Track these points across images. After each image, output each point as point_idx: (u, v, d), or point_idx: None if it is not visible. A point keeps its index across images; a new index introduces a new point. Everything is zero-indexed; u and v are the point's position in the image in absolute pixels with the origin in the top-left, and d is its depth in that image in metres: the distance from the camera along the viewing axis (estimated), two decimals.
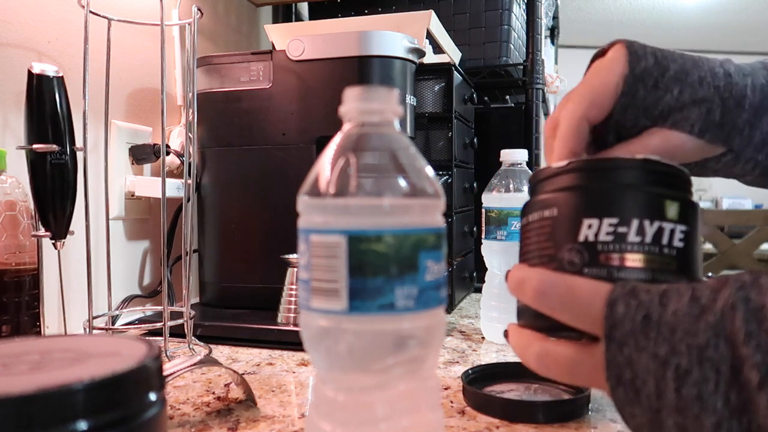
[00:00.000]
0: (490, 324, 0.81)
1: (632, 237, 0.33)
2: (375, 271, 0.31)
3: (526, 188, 0.80)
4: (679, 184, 0.36)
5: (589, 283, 0.32)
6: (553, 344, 0.34)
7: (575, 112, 0.40)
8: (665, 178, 0.35)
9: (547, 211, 0.36)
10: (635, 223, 0.33)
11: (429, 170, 0.34)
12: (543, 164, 0.48)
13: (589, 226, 0.33)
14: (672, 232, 0.33)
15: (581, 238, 0.33)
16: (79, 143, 0.64)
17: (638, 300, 0.30)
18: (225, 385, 0.60)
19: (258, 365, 0.68)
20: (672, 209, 0.34)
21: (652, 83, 0.40)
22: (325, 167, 0.33)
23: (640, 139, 0.41)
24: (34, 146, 0.61)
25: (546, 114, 1.54)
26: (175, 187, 0.88)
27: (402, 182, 0.33)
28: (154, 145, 0.91)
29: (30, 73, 0.61)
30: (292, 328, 0.77)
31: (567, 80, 1.46)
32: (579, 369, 0.33)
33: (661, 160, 0.35)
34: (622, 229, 0.33)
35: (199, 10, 0.71)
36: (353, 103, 0.34)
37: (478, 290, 1.11)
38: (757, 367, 0.26)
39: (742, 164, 0.42)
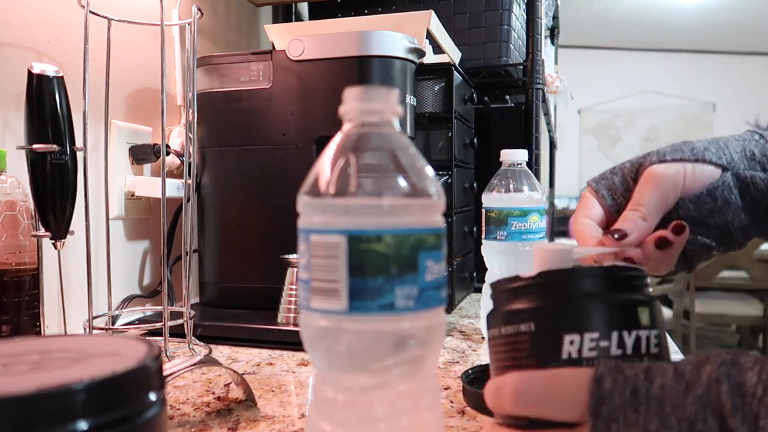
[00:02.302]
0: None
1: (614, 350, 0.33)
2: (375, 271, 0.31)
3: (526, 188, 0.81)
4: (644, 285, 0.37)
5: (571, 370, 0.32)
6: None
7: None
8: (633, 282, 0.37)
9: (524, 326, 0.35)
10: (615, 336, 0.34)
11: (429, 170, 0.34)
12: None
13: (571, 342, 0.34)
14: (648, 339, 0.35)
15: (565, 355, 0.34)
16: (79, 143, 0.64)
17: (624, 375, 0.30)
18: (225, 385, 0.60)
19: (258, 365, 0.68)
20: (644, 316, 0.36)
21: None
22: (325, 167, 0.33)
23: (639, 185, 0.51)
24: (34, 146, 0.61)
25: (546, 114, 1.54)
26: (175, 187, 0.88)
27: (402, 182, 0.33)
28: (154, 145, 0.91)
29: (30, 73, 0.61)
30: (292, 328, 0.77)
31: (567, 80, 1.46)
32: None
33: (626, 264, 0.38)
34: (603, 344, 0.33)
35: (199, 10, 0.71)
36: (353, 103, 0.34)
37: (478, 290, 1.11)
38: (737, 418, 0.27)
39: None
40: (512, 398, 0.33)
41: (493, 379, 0.36)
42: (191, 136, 0.75)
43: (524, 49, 1.25)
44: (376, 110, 0.34)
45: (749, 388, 0.28)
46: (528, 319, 0.35)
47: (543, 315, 0.35)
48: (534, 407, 0.32)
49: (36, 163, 0.61)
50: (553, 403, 0.32)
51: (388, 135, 0.34)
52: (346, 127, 0.34)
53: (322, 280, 0.32)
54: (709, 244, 0.52)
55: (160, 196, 0.68)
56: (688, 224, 0.50)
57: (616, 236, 0.49)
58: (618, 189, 0.53)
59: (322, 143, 0.85)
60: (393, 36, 0.82)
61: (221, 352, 0.74)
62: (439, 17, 0.98)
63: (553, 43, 1.99)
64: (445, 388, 0.61)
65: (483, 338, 0.82)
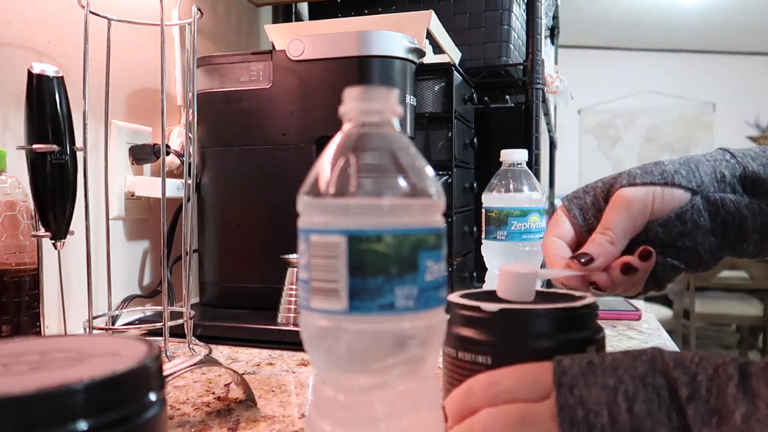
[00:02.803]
0: None
1: None
2: (375, 271, 0.31)
3: (526, 188, 0.81)
4: (593, 320, 0.42)
5: (532, 364, 0.36)
6: (500, 407, 0.35)
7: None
8: (583, 320, 0.41)
9: (481, 357, 0.40)
10: None
11: (429, 170, 0.34)
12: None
13: None
14: None
15: None
16: (79, 143, 0.64)
17: (579, 356, 0.35)
18: (225, 385, 0.60)
19: (258, 365, 0.68)
20: (593, 352, 0.40)
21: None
22: (324, 167, 0.33)
23: (607, 210, 0.52)
24: (34, 146, 0.61)
25: (546, 114, 1.54)
26: (175, 187, 0.88)
27: (402, 182, 0.33)
28: (154, 145, 0.91)
29: (30, 73, 0.61)
30: (292, 328, 0.77)
31: (567, 80, 1.46)
32: (529, 424, 0.34)
33: (580, 304, 0.41)
34: None
35: (199, 10, 0.71)
36: (353, 103, 0.34)
37: None
38: (686, 385, 0.31)
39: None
40: (486, 388, 0.36)
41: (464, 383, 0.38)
42: (191, 136, 0.75)
43: (524, 49, 1.25)
44: (376, 110, 0.34)
45: (686, 358, 0.33)
46: (486, 352, 0.39)
47: (500, 351, 0.39)
48: (506, 396, 0.35)
49: (36, 163, 0.61)
50: (522, 389, 0.35)
51: (388, 135, 0.34)
52: (346, 127, 0.34)
53: (322, 280, 0.32)
54: (678, 266, 0.52)
55: (160, 196, 0.68)
56: (658, 246, 0.51)
57: (582, 260, 0.50)
58: (589, 209, 0.54)
59: (322, 143, 0.84)
60: (393, 36, 0.82)
61: (221, 352, 0.74)
62: (439, 17, 0.98)
63: (553, 43, 1.99)
64: None
65: None
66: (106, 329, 0.71)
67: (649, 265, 0.50)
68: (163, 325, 0.67)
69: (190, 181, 0.73)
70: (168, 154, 0.92)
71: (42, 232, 0.63)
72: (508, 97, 1.44)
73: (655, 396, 0.32)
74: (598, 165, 4.85)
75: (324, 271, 0.32)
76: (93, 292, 0.65)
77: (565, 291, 0.47)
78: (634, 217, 0.51)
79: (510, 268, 0.44)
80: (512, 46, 1.21)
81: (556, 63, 2.07)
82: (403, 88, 0.84)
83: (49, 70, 0.62)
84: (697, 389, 0.31)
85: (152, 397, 0.26)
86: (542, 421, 0.33)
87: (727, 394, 0.31)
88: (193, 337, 0.72)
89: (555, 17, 1.98)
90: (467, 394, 0.37)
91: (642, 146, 4.88)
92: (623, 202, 0.51)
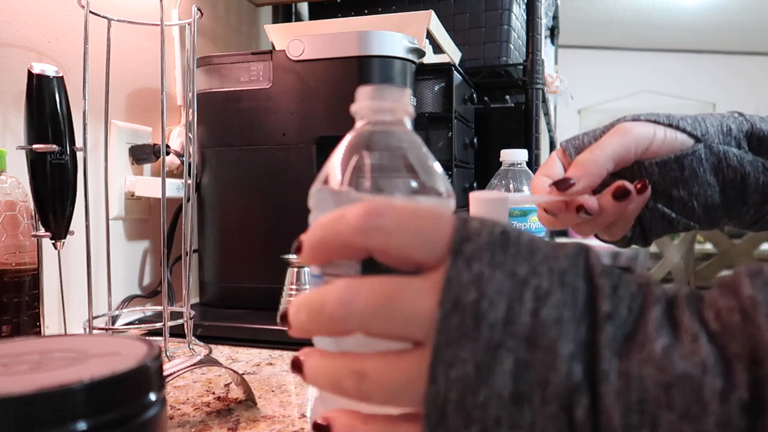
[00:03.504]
0: None
1: None
2: (387, 267, 0.31)
3: (526, 188, 0.81)
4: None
5: (434, 209, 0.28)
6: (367, 280, 0.27)
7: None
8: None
9: None
10: None
11: (439, 169, 0.34)
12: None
13: None
14: None
15: None
16: (79, 143, 0.64)
17: (493, 222, 0.27)
18: (225, 385, 0.60)
19: (258, 365, 0.68)
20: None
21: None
22: (336, 164, 0.33)
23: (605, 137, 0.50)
24: (34, 146, 0.61)
25: (546, 114, 1.54)
26: (175, 187, 0.88)
27: (412, 180, 0.33)
28: (154, 145, 0.91)
29: (30, 73, 0.61)
30: None
31: (567, 80, 1.46)
32: (399, 303, 0.26)
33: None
34: None
35: (199, 10, 0.71)
36: (365, 101, 0.34)
37: None
38: (608, 298, 0.25)
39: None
40: (361, 217, 0.27)
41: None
42: (191, 136, 0.75)
43: (524, 49, 1.25)
44: (388, 109, 0.34)
45: (611, 268, 0.27)
46: None
47: None
48: (382, 234, 0.26)
49: (36, 163, 0.61)
50: (406, 232, 0.26)
51: (399, 134, 0.34)
52: (358, 124, 0.34)
53: (334, 275, 0.32)
54: (669, 216, 0.50)
55: (160, 196, 0.68)
56: (653, 195, 0.48)
57: (561, 186, 0.47)
58: (585, 147, 0.51)
59: (322, 143, 0.85)
60: (393, 36, 0.82)
61: (221, 352, 0.74)
62: (439, 17, 0.98)
63: (553, 43, 1.99)
64: None
65: None
66: (106, 329, 0.71)
67: (642, 199, 0.47)
68: (163, 325, 0.67)
69: (190, 181, 0.73)
70: (168, 154, 0.92)
71: (42, 232, 0.63)
72: (508, 97, 1.44)
73: (570, 300, 0.25)
74: None
75: (336, 267, 0.32)
76: (93, 292, 0.65)
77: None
78: (627, 144, 0.48)
79: (480, 195, 0.40)
80: (512, 46, 1.21)
81: (556, 63, 2.07)
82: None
83: (49, 70, 0.62)
84: (618, 307, 0.25)
85: (152, 397, 0.26)
86: (418, 299, 0.25)
87: (648, 318, 0.25)
88: (193, 337, 0.72)
89: (555, 17, 1.98)
90: (337, 222, 0.27)
91: None
92: (621, 129, 0.49)
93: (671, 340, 0.24)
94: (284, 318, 0.29)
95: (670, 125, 0.49)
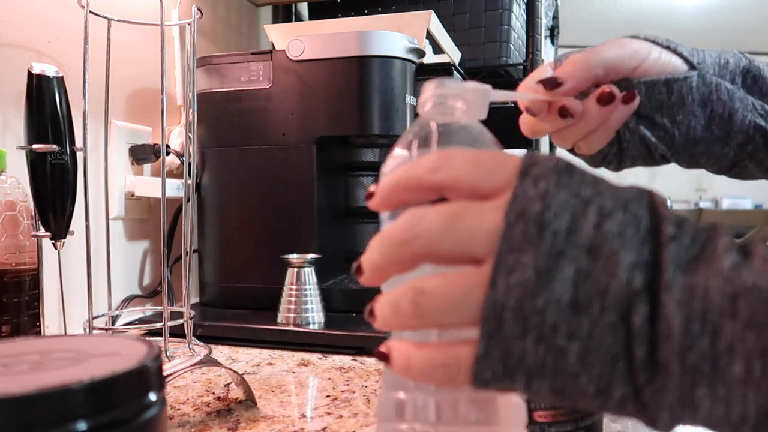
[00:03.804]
0: None
1: None
2: None
3: None
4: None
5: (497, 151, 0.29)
6: (433, 207, 0.28)
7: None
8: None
9: None
10: None
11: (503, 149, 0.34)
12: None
13: None
14: None
15: None
16: (79, 143, 0.64)
17: (557, 157, 0.28)
18: (225, 385, 0.60)
19: (258, 365, 0.68)
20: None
21: None
22: (407, 135, 0.33)
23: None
24: (34, 146, 0.61)
25: None
26: (175, 187, 0.88)
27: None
28: (154, 145, 0.91)
29: (30, 73, 0.61)
30: (292, 328, 0.77)
31: None
32: (463, 217, 0.26)
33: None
34: None
35: (199, 10, 0.71)
36: (433, 91, 0.34)
37: None
38: (673, 224, 0.25)
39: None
40: (433, 157, 0.28)
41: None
42: (191, 136, 0.75)
43: (524, 49, 1.25)
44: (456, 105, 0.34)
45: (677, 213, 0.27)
46: None
47: None
48: (452, 168, 0.28)
49: (36, 163, 0.61)
50: (475, 164, 0.27)
51: (467, 127, 0.34)
52: (423, 117, 0.34)
53: None
54: (648, 139, 0.48)
55: (160, 196, 0.68)
56: (636, 117, 0.47)
57: (548, 85, 0.45)
58: None
59: (322, 143, 0.85)
60: (393, 36, 0.82)
61: (221, 352, 0.74)
62: (439, 17, 0.98)
63: (553, 43, 1.99)
64: None
65: None
66: (106, 329, 0.71)
67: (628, 110, 0.46)
68: (163, 325, 0.67)
69: (190, 181, 0.73)
70: (168, 154, 0.92)
71: (42, 232, 0.63)
72: None
73: (633, 222, 0.25)
74: None
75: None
76: (93, 292, 0.65)
77: None
78: (622, 56, 0.46)
79: (463, 83, 0.40)
80: (512, 46, 1.21)
81: None
82: (403, 88, 0.84)
83: (49, 70, 0.62)
84: (682, 235, 0.25)
85: (152, 397, 0.26)
86: (483, 216, 0.26)
87: (716, 243, 0.25)
88: (193, 337, 0.72)
89: (555, 17, 1.98)
90: (410, 165, 0.29)
91: None
92: (617, 42, 0.47)
93: (740, 259, 0.24)
94: (358, 269, 0.30)
95: (667, 48, 0.48)
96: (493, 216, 0.26)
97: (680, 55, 0.48)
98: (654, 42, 0.48)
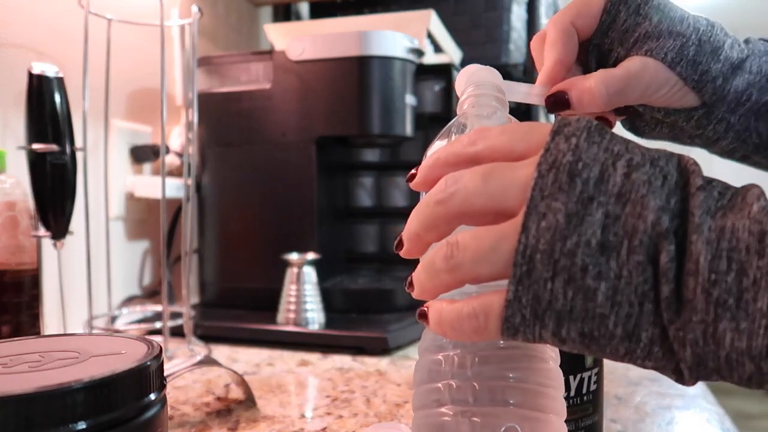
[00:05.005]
0: None
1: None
2: None
3: None
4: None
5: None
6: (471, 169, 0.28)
7: (563, 18, 0.42)
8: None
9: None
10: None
11: None
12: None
13: None
14: (589, 378, 0.38)
15: None
16: (79, 143, 0.64)
17: (588, 119, 0.28)
18: (225, 386, 0.60)
19: (258, 365, 0.68)
20: (590, 358, 0.38)
21: (634, 8, 0.42)
22: (449, 127, 0.35)
23: (622, 65, 0.42)
24: (34, 146, 0.61)
25: (546, 114, 1.54)
26: (175, 187, 0.88)
27: None
28: (154, 145, 0.91)
29: (30, 73, 0.61)
30: (292, 328, 0.77)
31: None
32: (498, 173, 0.27)
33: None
34: None
35: (199, 10, 0.71)
36: (472, 92, 0.36)
37: None
38: (701, 177, 0.26)
39: (714, 124, 0.44)
40: (471, 133, 0.30)
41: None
42: (191, 136, 0.75)
43: (524, 49, 1.25)
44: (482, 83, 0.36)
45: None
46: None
47: None
48: (488, 139, 0.29)
49: (36, 163, 0.61)
50: (510, 132, 0.29)
51: (501, 119, 0.35)
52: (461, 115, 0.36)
53: None
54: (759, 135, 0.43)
55: (160, 196, 0.68)
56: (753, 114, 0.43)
57: (554, 109, 0.42)
58: (610, 50, 0.44)
59: (322, 143, 0.85)
60: (393, 36, 0.82)
61: (221, 352, 0.74)
62: (439, 17, 0.98)
63: None
64: None
65: None
66: (106, 329, 0.71)
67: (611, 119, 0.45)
68: (163, 325, 0.67)
69: (190, 181, 0.73)
70: (168, 154, 0.92)
71: (42, 232, 0.63)
72: None
73: (660, 176, 0.26)
74: None
75: None
76: (93, 292, 0.65)
77: None
78: (640, 91, 0.42)
79: (470, 68, 0.39)
80: (512, 46, 1.21)
81: None
82: (403, 88, 0.84)
83: (49, 70, 0.62)
84: (712, 187, 0.26)
85: (152, 397, 0.26)
86: (517, 170, 0.27)
87: (745, 194, 0.25)
88: (193, 337, 0.72)
89: None
90: (450, 144, 0.31)
91: None
92: (646, 68, 0.41)
93: None
94: (399, 244, 0.31)
95: (694, 87, 0.42)
96: (525, 170, 0.27)
97: (699, 92, 0.42)
98: (680, 75, 0.42)
